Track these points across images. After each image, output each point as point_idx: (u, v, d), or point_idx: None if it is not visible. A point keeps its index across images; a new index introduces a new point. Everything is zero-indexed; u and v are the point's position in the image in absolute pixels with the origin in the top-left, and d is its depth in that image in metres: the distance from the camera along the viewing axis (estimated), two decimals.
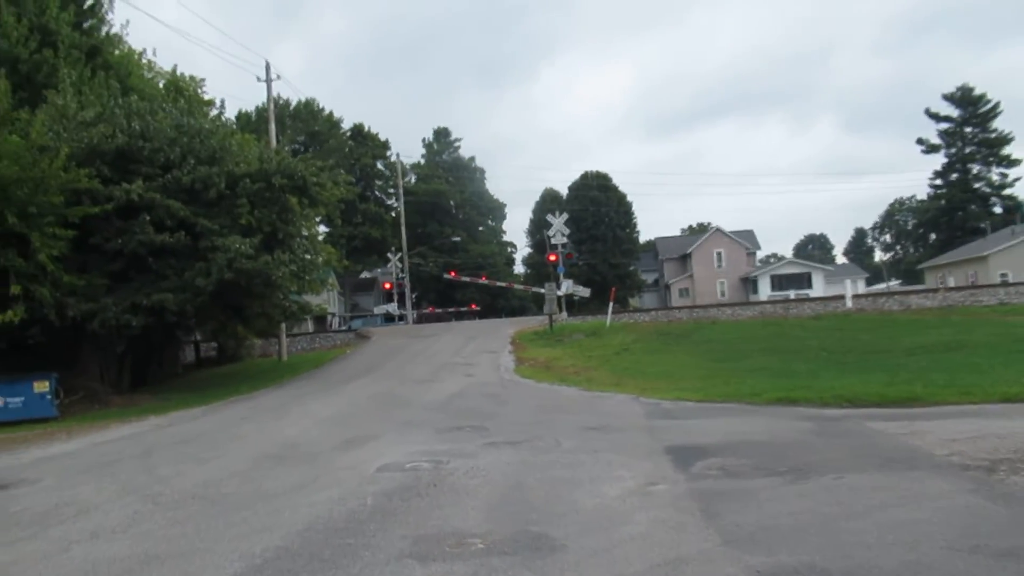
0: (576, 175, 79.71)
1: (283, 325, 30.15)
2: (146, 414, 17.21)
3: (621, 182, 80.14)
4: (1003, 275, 59.31)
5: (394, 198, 72.05)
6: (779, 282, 68.16)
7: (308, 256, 24.15)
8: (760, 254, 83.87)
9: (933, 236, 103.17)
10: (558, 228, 36.66)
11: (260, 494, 7.56)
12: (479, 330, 35.84)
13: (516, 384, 18.13)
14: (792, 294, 59.25)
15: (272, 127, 32.09)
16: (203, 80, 35.79)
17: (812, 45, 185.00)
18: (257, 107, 67.32)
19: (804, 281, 67.98)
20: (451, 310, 59.25)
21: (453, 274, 56.29)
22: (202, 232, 21.01)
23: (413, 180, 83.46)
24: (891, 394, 11.88)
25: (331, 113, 76.28)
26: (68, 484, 8.85)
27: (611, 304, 34.90)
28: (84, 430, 14.91)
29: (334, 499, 7.09)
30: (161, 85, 33.64)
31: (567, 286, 36.27)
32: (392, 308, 56.15)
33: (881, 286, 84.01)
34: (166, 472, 9.12)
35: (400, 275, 56.41)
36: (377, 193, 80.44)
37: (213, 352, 35.43)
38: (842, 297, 36.07)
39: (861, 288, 66.89)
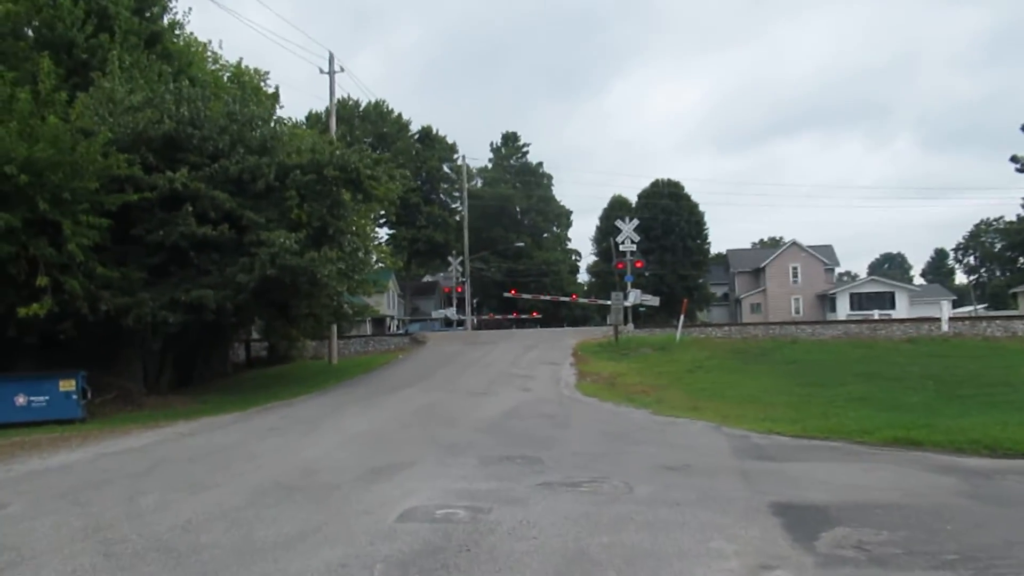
0: (646, 185, 77.21)
1: (334, 326, 28.81)
2: (175, 419, 15.84)
3: (692, 191, 77.09)
4: None
5: (459, 202, 70.76)
6: (859, 301, 64.38)
7: (360, 255, 22.66)
8: (836, 271, 79.93)
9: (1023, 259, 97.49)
10: (627, 234, 34.63)
11: (243, 548, 5.84)
12: (539, 339, 33.99)
13: (577, 402, 16.21)
14: (876, 314, 55.66)
15: (332, 120, 30.89)
16: (267, 73, 34.90)
17: (891, 60, 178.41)
18: (327, 108, 66.99)
19: (886, 301, 64.06)
20: (511, 317, 57.48)
21: (514, 292, 54.55)
22: (248, 225, 19.70)
23: (479, 184, 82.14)
24: None
25: (400, 115, 75.52)
26: (31, 514, 7.31)
27: (682, 317, 32.63)
28: (102, 436, 13.55)
29: (333, 565, 5.31)
30: (226, 78, 32.82)
31: (635, 296, 34.13)
32: (451, 313, 54.70)
33: (967, 309, 79.14)
34: (148, 503, 7.50)
35: (460, 279, 54.91)
36: (442, 196, 79.34)
37: (264, 352, 34.38)
38: (936, 319, 33.00)
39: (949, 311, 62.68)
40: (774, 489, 7.47)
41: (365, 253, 22.87)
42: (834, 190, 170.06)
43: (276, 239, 18.86)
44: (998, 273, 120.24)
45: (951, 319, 33.56)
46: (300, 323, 23.71)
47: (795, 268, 69.53)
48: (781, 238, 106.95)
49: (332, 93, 30.65)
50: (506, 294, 54.67)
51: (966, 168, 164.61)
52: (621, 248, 35.37)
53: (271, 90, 35.09)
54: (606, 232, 64.93)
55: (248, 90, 28.65)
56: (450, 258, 59.86)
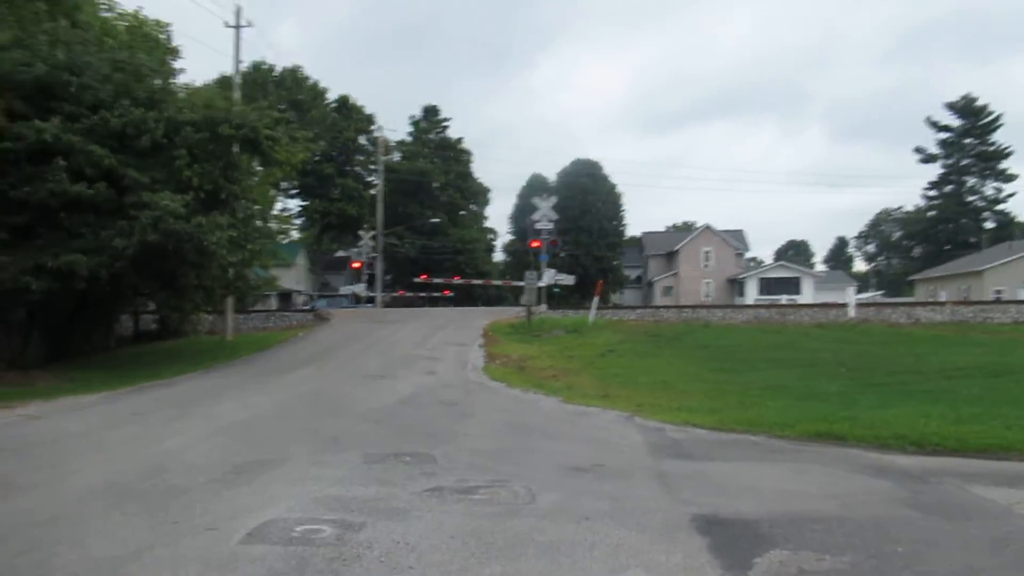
0: (566, 164, 76.57)
1: (229, 300, 26.92)
2: (30, 399, 14.02)
3: (611, 172, 76.96)
4: (997, 291, 57.16)
5: (375, 175, 68.54)
6: (767, 286, 65.45)
7: (257, 223, 20.95)
8: (746, 256, 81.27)
9: (920, 248, 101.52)
10: (545, 213, 33.64)
11: None
12: (450, 319, 32.85)
13: (483, 388, 15.13)
14: (784, 299, 56.57)
15: (236, 78, 28.69)
16: (169, 25, 32.20)
17: (806, 50, 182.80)
18: (236, 67, 63.31)
19: (793, 286, 65.33)
20: (423, 295, 56.02)
21: (424, 277, 53.09)
22: (130, 185, 17.85)
23: (397, 158, 79.92)
24: (971, 438, 9.00)
25: (316, 83, 72.63)
26: None
27: (596, 299, 31.95)
28: None
29: None
30: (123, 28, 30.09)
31: (549, 276, 33.28)
32: (360, 289, 52.83)
33: (867, 295, 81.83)
34: None
35: (373, 255, 53.08)
36: (358, 169, 76.91)
37: (155, 326, 32.05)
38: (843, 305, 33.38)
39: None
40: (697, 497, 6.53)
41: (263, 221, 21.09)
42: (746, 176, 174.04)
43: (160, 201, 17.10)
44: (895, 261, 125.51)
45: (856, 305, 33.98)
46: (189, 295, 21.83)
47: (707, 252, 70.22)
48: (694, 222, 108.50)
49: (237, 48, 28.50)
50: (416, 280, 53.16)
51: (870, 158, 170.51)
52: (537, 227, 34.39)
53: (174, 44, 32.51)
54: (524, 211, 63.93)
55: (139, 38, 26.18)
56: (361, 232, 57.77)
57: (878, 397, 12.89)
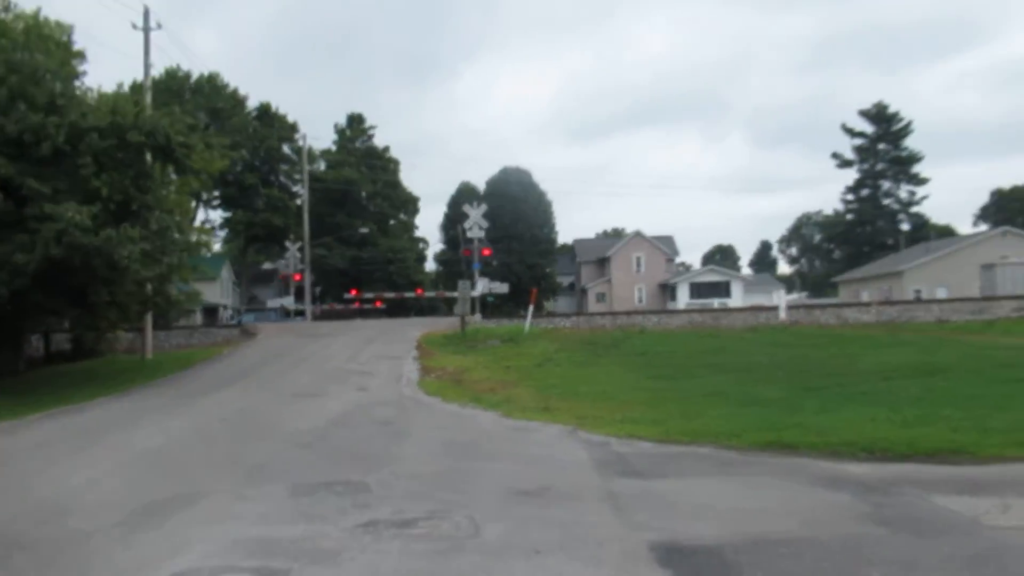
0: (495, 172, 76.25)
1: (148, 317, 25.61)
2: None
3: (540, 179, 77.01)
4: (917, 291, 59.10)
5: (300, 184, 66.90)
6: (698, 290, 66.40)
7: (173, 235, 19.82)
8: (676, 261, 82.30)
9: (840, 250, 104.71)
10: (475, 220, 33.21)
11: None
12: (382, 331, 32.04)
13: (418, 404, 14.49)
14: (716, 303, 57.41)
15: (147, 83, 27.38)
16: (72, 27, 30.57)
17: (727, 60, 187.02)
18: (154, 79, 60.68)
19: (723, 290, 66.42)
20: (354, 307, 54.84)
21: (354, 292, 52.06)
22: (29, 196, 16.62)
23: (323, 167, 78.32)
24: (920, 442, 8.83)
25: (236, 90, 70.60)
26: None
27: (531, 307, 31.60)
28: None
29: None
30: (20, 29, 28.39)
31: (483, 285, 32.82)
32: (288, 302, 51.37)
33: (792, 296, 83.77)
34: None
35: (300, 266, 51.70)
36: (282, 179, 75.14)
37: (68, 345, 30.36)
38: (774, 308, 33.85)
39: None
40: (652, 520, 6.10)
41: (179, 233, 19.95)
42: (673, 183, 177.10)
43: (64, 213, 15.96)
44: (817, 263, 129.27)
45: (789, 307, 34.48)
46: (103, 313, 20.57)
47: (638, 258, 70.85)
48: (624, 229, 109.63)
49: (147, 52, 27.17)
50: (346, 295, 51.97)
51: (791, 164, 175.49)
52: (469, 235, 33.94)
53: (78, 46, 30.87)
54: (454, 219, 63.39)
55: (37, 39, 24.66)
56: (288, 243, 56.26)
57: (819, 401, 12.75)
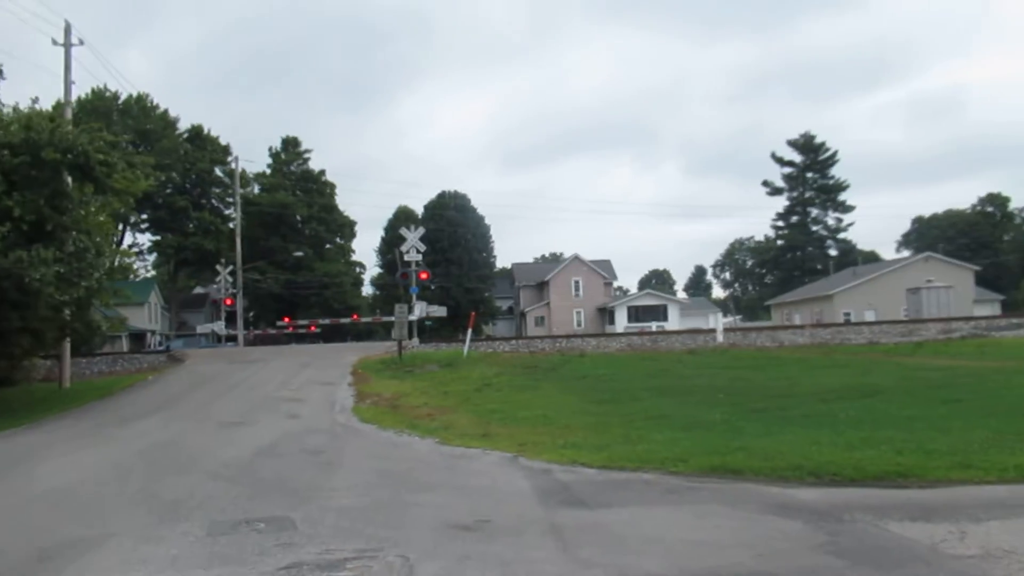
0: (433, 196, 75.74)
1: (66, 344, 24.31)
2: None
3: (479, 204, 76.59)
4: (846, 314, 60.61)
5: (233, 207, 65.27)
6: (636, 313, 66.82)
7: (91, 257, 18.79)
8: (614, 285, 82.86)
9: (772, 275, 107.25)
10: (412, 243, 32.67)
11: None
12: (317, 356, 31.16)
13: (352, 432, 13.88)
14: (654, 326, 57.81)
15: (69, 97, 26.19)
16: None
17: (659, 90, 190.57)
18: (81, 99, 58.47)
19: (660, 313, 66.97)
20: (288, 331, 53.49)
21: (287, 320, 50.87)
22: None
23: (256, 190, 76.69)
24: (867, 466, 8.67)
25: (166, 111, 68.88)
26: None
27: (469, 331, 31.14)
28: None
29: None
30: None
31: (420, 308, 32.24)
32: (219, 327, 49.80)
33: (727, 320, 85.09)
34: None
35: (231, 290, 50.23)
36: (214, 202, 73.32)
37: None
38: (712, 331, 34.11)
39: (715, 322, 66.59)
40: (600, 556, 5.70)
41: (96, 255, 18.87)
42: (610, 208, 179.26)
43: None
44: (750, 287, 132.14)
45: (726, 330, 34.77)
46: (14, 340, 19.35)
47: (577, 282, 71.07)
48: (562, 253, 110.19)
49: (68, 69, 25.98)
50: (279, 322, 50.71)
51: (724, 191, 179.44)
52: (406, 258, 33.33)
53: None
54: (391, 243, 62.56)
55: None
56: (219, 267, 54.69)
57: (762, 424, 12.61)
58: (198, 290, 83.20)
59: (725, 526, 6.57)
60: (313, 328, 51.41)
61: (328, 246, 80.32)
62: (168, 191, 66.18)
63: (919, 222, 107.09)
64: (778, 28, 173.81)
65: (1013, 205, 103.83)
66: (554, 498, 7.98)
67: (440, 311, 34.98)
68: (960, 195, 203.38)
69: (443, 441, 12.32)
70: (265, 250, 69.60)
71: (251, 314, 72.35)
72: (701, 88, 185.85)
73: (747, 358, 26.00)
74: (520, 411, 15.81)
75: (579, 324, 68.51)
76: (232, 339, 49.56)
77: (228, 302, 50.64)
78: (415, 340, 32.97)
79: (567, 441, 11.65)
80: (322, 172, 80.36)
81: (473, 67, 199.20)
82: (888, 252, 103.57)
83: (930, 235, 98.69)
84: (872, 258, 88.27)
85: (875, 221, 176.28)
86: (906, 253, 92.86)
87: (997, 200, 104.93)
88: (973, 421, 11.74)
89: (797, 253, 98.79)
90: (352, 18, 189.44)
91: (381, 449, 11.86)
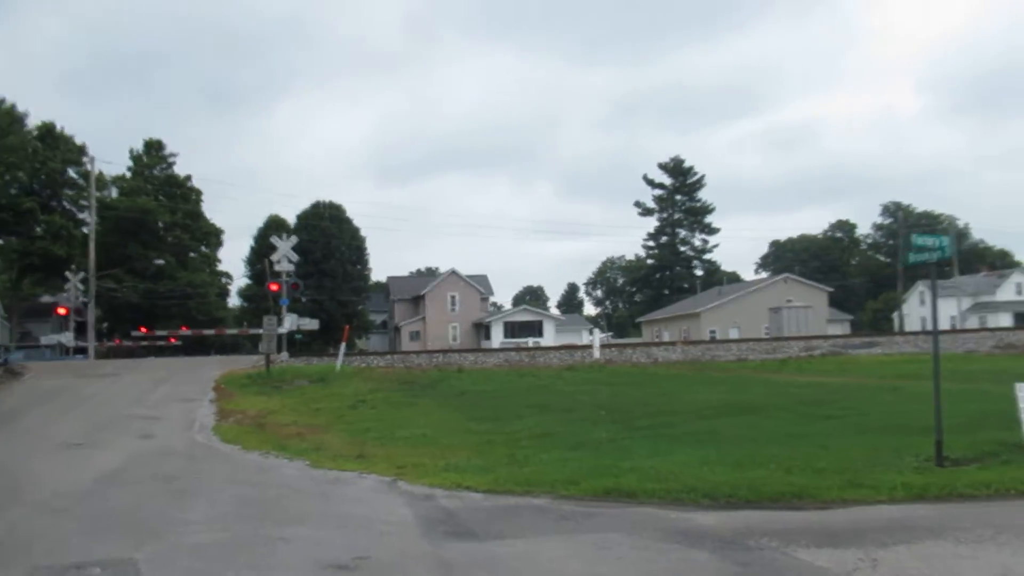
0: (307, 206, 73.35)
1: None
2: None
3: (354, 215, 74.88)
4: (712, 331, 62.90)
5: (87, 211, 60.80)
6: (512, 329, 66.89)
7: None
8: (490, 300, 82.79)
9: (642, 293, 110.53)
10: (284, 253, 31.17)
11: None
12: (177, 370, 29.09)
13: (212, 454, 12.68)
14: (531, 341, 57.91)
15: None
16: None
17: (535, 111, 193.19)
18: None
19: (536, 329, 67.31)
20: (144, 344, 50.12)
21: (143, 330, 47.72)
22: None
23: (115, 194, 71.98)
24: (761, 486, 8.49)
25: (13, 106, 63.50)
26: None
27: (343, 345, 29.90)
28: None
29: None
30: None
31: (291, 321, 30.73)
32: (67, 339, 46.06)
33: (602, 336, 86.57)
34: None
35: (82, 299, 46.58)
36: (67, 205, 68.17)
37: None
38: (588, 347, 34.26)
39: (589, 338, 67.53)
40: None
41: None
42: (486, 224, 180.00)
43: None
44: (620, 305, 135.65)
45: (602, 346, 34.98)
46: None
47: (453, 296, 70.49)
48: (438, 268, 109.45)
49: None
50: (134, 331, 47.47)
51: (597, 210, 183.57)
52: (277, 268, 31.74)
53: None
54: (261, 253, 59.83)
55: None
56: (69, 275, 50.74)
57: (649, 443, 12.37)
58: (45, 298, 77.17)
59: (629, 558, 6.08)
60: (173, 340, 48.44)
61: (193, 255, 76.33)
62: (13, 191, 61.12)
63: (776, 245, 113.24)
64: (651, 56, 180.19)
65: (860, 232, 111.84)
66: (439, 528, 7.29)
67: (312, 324, 33.54)
68: (812, 221, 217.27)
69: (314, 464, 11.37)
70: (123, 257, 65.28)
71: (105, 325, 67.66)
72: (577, 110, 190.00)
73: (624, 374, 26.11)
74: (397, 430, 15.02)
75: (455, 339, 67.90)
76: (82, 351, 45.89)
77: (62, 311, 46.79)
78: (284, 354, 31.39)
79: (449, 463, 10.97)
80: (188, 177, 76.43)
81: (351, 79, 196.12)
82: (747, 273, 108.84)
83: (785, 258, 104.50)
84: (735, 278, 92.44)
85: (736, 243, 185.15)
86: (764, 274, 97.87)
87: (846, 226, 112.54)
88: (849, 438, 11.90)
89: (666, 272, 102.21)
90: (223, 23, 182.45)
91: (245, 474, 10.78)
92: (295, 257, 32.46)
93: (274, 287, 31.84)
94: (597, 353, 32.60)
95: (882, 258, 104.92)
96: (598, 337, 35.62)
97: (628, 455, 11.08)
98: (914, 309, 73.96)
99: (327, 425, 16.28)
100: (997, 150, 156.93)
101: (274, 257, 31.81)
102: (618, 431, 13.85)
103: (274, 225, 67.74)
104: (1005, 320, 63.90)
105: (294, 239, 33.31)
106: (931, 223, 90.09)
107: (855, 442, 11.43)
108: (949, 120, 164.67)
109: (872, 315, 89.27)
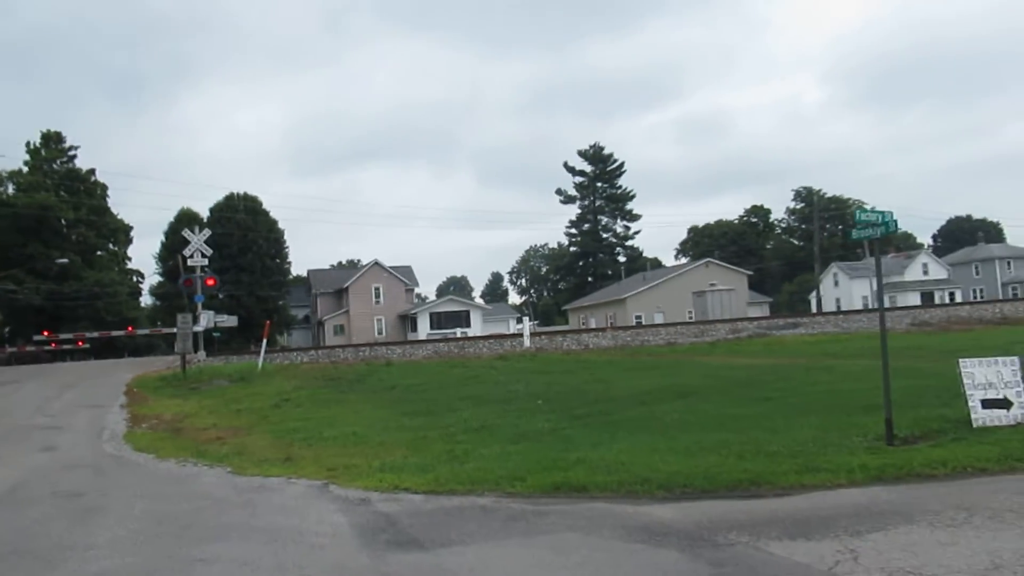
0: (220, 199, 70.71)
1: None
2: None
3: (271, 208, 72.66)
4: (638, 316, 63.47)
5: None
6: (438, 320, 66.01)
7: None
8: (416, 291, 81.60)
9: (566, 281, 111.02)
10: (197, 247, 29.70)
11: None
12: (85, 374, 27.46)
13: (123, 464, 11.66)
14: (458, 332, 57.18)
15: None
16: None
17: (453, 103, 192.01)
18: None
19: (463, 320, 66.57)
20: (50, 349, 47.37)
21: (47, 334, 45.16)
22: None
23: (11, 190, 67.96)
24: (716, 475, 8.11)
25: None
26: None
27: (264, 341, 28.69)
28: None
29: None
30: None
31: (207, 318, 29.31)
32: None
33: (528, 325, 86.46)
34: None
35: None
36: None
37: None
38: (518, 336, 33.88)
39: (517, 327, 67.21)
40: None
41: None
42: (407, 214, 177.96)
43: None
44: (545, 293, 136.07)
45: (532, 335, 34.63)
46: None
47: (377, 288, 69.16)
48: (360, 260, 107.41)
49: None
50: (37, 336, 44.83)
51: (519, 199, 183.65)
52: (190, 263, 30.22)
53: None
54: (173, 248, 57.29)
55: None
56: None
57: (591, 431, 11.93)
58: None
59: (590, 563, 5.56)
60: (81, 343, 45.95)
61: (99, 253, 72.80)
62: None
63: (694, 231, 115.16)
64: (566, 46, 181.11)
65: (773, 217, 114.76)
66: (379, 537, 6.63)
67: (230, 321, 32.16)
68: (728, 207, 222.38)
69: (237, 470, 10.52)
70: (23, 257, 61.67)
71: (6, 329, 63.91)
72: (495, 99, 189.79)
73: (557, 362, 25.75)
74: (326, 429, 14.20)
75: (380, 332, 66.67)
76: None
77: None
78: (201, 353, 29.95)
79: (384, 462, 10.29)
80: (91, 171, 72.83)
81: (265, 68, 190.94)
82: (668, 259, 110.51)
83: (704, 243, 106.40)
84: (656, 265, 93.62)
85: (655, 229, 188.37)
86: (684, 260, 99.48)
87: (760, 212, 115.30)
88: (793, 419, 11.69)
89: (589, 259, 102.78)
90: (119, 8, 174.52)
91: (159, 486, 9.86)
92: (209, 251, 31.04)
93: (188, 283, 30.30)
94: (528, 342, 32.25)
95: (796, 242, 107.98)
96: (528, 326, 35.24)
97: (572, 446, 10.61)
98: (828, 290, 76.34)
99: (250, 427, 15.35)
100: (897, 136, 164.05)
101: (186, 251, 30.29)
102: (558, 420, 13.38)
103: (186, 219, 65.01)
104: (914, 299, 66.49)
105: (207, 232, 31.85)
106: (840, 207, 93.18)
107: (801, 423, 11.21)
108: (853, 107, 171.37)
109: (788, 297, 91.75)
